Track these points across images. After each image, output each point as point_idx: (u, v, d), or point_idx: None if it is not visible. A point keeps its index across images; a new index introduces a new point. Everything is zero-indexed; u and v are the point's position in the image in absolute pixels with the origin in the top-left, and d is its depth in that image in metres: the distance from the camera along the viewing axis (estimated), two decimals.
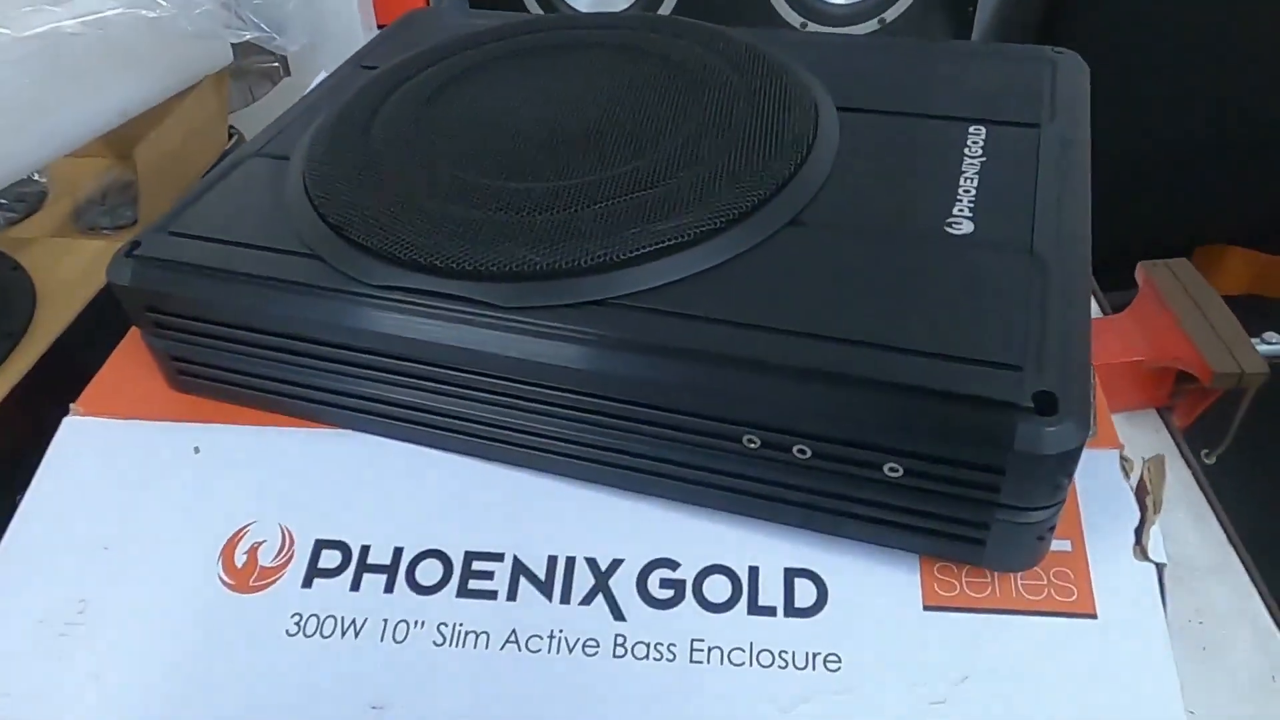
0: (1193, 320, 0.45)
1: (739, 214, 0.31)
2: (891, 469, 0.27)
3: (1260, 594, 0.40)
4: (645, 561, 0.30)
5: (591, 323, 0.28)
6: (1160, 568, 0.29)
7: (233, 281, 0.32)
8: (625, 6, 0.81)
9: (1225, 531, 0.42)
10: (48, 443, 0.35)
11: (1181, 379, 0.46)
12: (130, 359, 0.37)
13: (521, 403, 0.31)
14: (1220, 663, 0.37)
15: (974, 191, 0.32)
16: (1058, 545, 0.29)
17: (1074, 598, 0.29)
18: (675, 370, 0.27)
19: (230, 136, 0.58)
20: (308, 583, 0.31)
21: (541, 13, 0.80)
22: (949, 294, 0.28)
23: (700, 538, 0.31)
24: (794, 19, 0.79)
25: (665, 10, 0.80)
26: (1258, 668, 0.37)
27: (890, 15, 0.78)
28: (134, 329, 0.38)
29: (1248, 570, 0.41)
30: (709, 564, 0.30)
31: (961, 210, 0.31)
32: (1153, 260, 0.49)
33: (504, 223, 0.31)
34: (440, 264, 0.30)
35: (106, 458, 0.34)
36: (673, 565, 0.30)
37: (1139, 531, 0.30)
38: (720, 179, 0.31)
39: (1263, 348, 0.45)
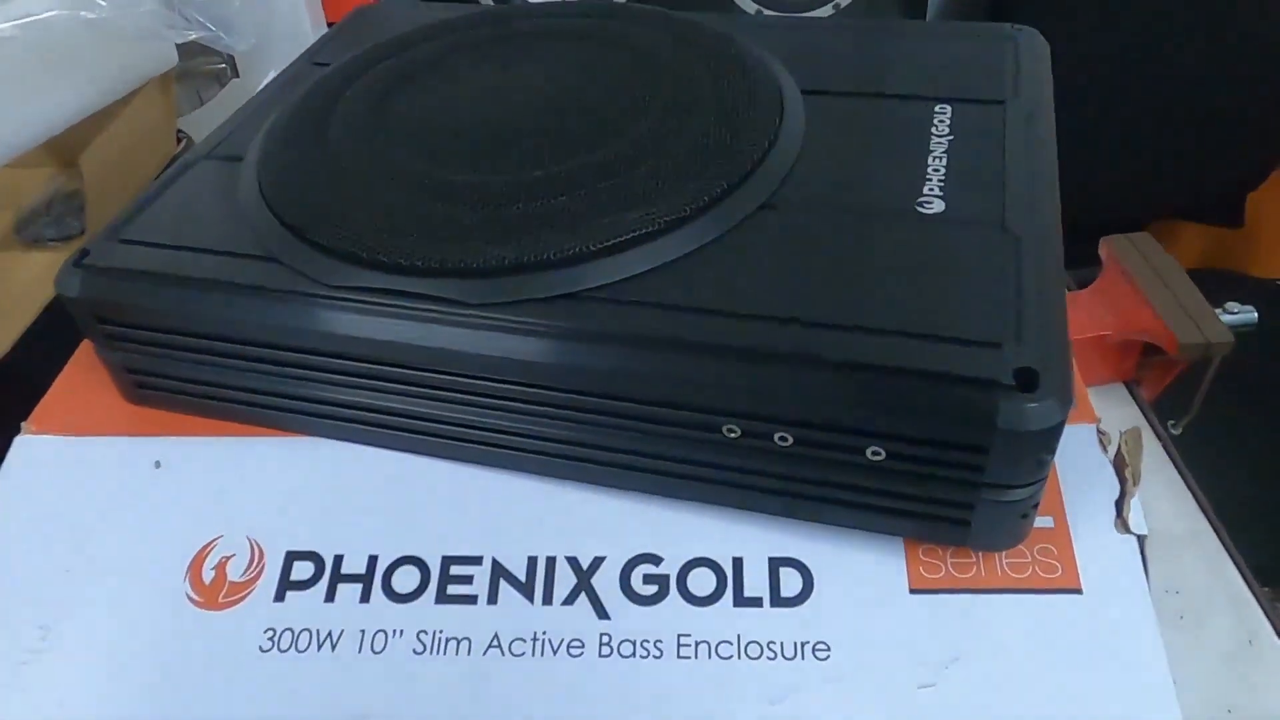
0: (1157, 293, 0.45)
1: (709, 200, 0.30)
2: (874, 453, 0.26)
3: (1233, 561, 0.40)
4: (627, 558, 0.30)
5: (564, 317, 0.28)
6: (1141, 539, 0.29)
7: (188, 288, 0.31)
8: None
9: (1197, 501, 0.43)
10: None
11: (1148, 351, 0.46)
12: (83, 373, 0.36)
13: (493, 401, 0.30)
14: (1199, 630, 0.37)
15: (943, 170, 0.32)
16: (1040, 522, 0.29)
17: (1059, 573, 0.28)
18: (652, 361, 0.27)
19: (179, 140, 0.56)
20: (280, 596, 0.30)
21: (493, 3, 0.79)
22: (924, 273, 0.28)
23: (682, 531, 0.30)
24: (749, 5, 0.79)
25: None
26: (1235, 633, 0.37)
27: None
28: (86, 341, 0.37)
29: (1220, 538, 0.41)
30: (692, 557, 0.30)
31: (932, 189, 0.31)
32: (1115, 235, 0.49)
33: (468, 217, 0.30)
34: (404, 262, 0.29)
35: (63, 477, 0.33)
36: (655, 560, 0.30)
37: (1119, 504, 0.30)
38: (689, 165, 0.31)
39: (1226, 317, 0.46)
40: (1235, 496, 0.45)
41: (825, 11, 0.79)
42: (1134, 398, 0.48)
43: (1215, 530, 0.42)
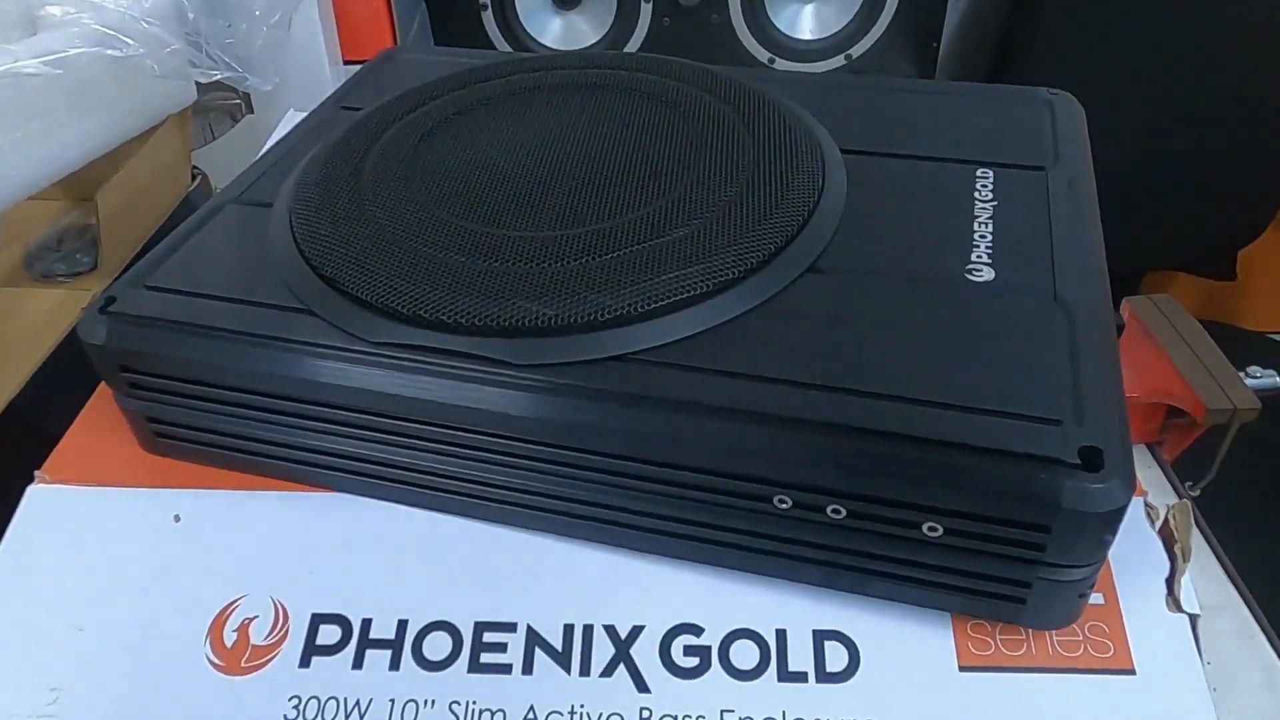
0: (1182, 356, 0.45)
1: (758, 261, 0.30)
2: (930, 528, 0.26)
3: (1263, 629, 0.40)
4: (667, 627, 0.29)
5: (612, 380, 0.27)
6: (1194, 619, 0.28)
7: (220, 339, 0.30)
8: (590, 43, 0.81)
9: (1223, 567, 0.42)
10: (10, 515, 0.32)
11: (1170, 413, 0.46)
12: (100, 420, 0.35)
13: (534, 463, 0.29)
14: (1233, 703, 0.37)
15: (990, 237, 0.31)
16: (1091, 599, 0.28)
17: (1110, 653, 0.28)
18: (704, 428, 0.26)
19: (193, 177, 0.56)
20: (305, 661, 0.29)
21: (509, 48, 0.79)
22: (979, 345, 0.28)
23: (723, 600, 0.29)
24: (762, 55, 0.79)
25: (633, 46, 0.79)
26: (1270, 705, 0.37)
27: (856, 51, 0.79)
28: (102, 386, 0.36)
29: (1249, 606, 0.41)
30: (734, 628, 0.29)
31: (980, 256, 0.31)
32: (1137, 296, 0.49)
33: (511, 274, 0.30)
34: (446, 319, 0.29)
35: (78, 529, 0.32)
36: (696, 631, 0.29)
37: (1169, 582, 0.29)
38: (734, 225, 0.31)
39: (1249, 382, 0.46)
40: (1256, 561, 0.45)
41: (837, 62, 0.80)
42: (1155, 459, 0.48)
43: (1244, 598, 0.41)
